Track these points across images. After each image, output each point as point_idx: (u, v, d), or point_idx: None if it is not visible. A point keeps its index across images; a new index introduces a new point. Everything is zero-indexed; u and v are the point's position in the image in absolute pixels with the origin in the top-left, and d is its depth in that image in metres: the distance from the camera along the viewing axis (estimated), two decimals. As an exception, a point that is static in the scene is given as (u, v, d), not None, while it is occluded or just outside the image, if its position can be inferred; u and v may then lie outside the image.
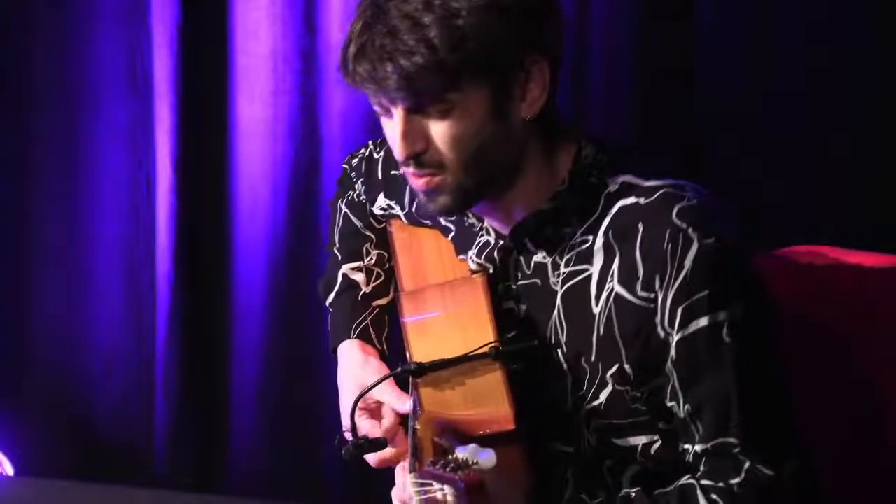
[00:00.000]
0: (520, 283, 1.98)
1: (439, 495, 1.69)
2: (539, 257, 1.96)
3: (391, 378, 2.17)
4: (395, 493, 2.02)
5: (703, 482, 1.88)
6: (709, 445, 1.88)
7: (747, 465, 1.86)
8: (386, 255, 2.27)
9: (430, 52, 1.80)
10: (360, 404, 2.10)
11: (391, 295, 2.26)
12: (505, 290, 1.99)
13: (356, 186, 2.30)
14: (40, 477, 3.51)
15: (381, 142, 2.28)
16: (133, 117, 3.50)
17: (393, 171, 2.20)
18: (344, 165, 2.36)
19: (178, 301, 3.47)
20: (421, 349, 1.93)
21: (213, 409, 3.52)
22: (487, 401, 1.89)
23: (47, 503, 3.34)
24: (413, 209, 2.17)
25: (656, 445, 1.94)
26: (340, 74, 1.90)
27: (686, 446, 1.91)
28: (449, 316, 1.95)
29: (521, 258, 1.98)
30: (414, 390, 1.95)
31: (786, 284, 2.14)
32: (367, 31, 1.84)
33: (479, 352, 1.89)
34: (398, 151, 1.88)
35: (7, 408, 3.61)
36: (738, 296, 1.86)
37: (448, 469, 1.71)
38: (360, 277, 2.26)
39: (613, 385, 1.91)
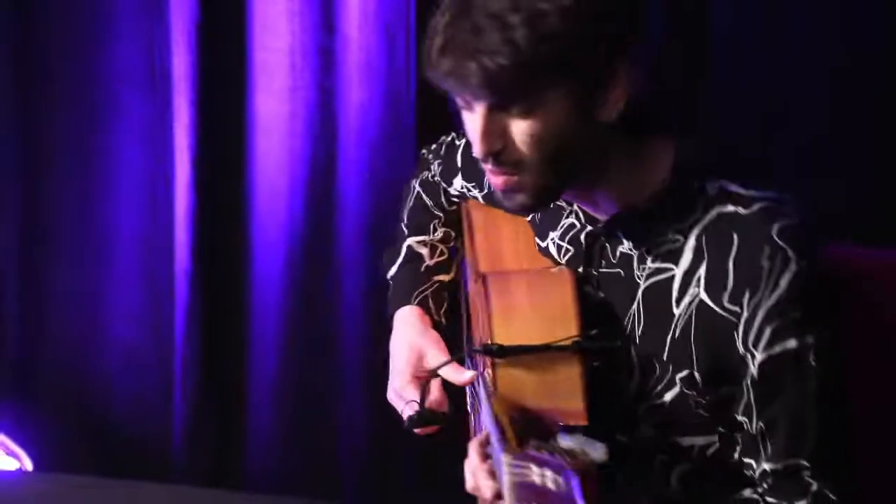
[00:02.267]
0: (602, 270, 1.98)
1: (537, 479, 1.62)
2: (626, 248, 1.96)
3: (446, 350, 2.18)
4: (468, 466, 1.92)
5: (769, 499, 1.88)
6: (779, 465, 1.87)
7: (815, 488, 1.86)
8: (453, 233, 2.29)
9: (515, 52, 1.78)
10: (413, 374, 2.12)
11: (453, 273, 2.26)
12: (585, 276, 1.99)
13: (432, 168, 2.33)
14: (58, 472, 3.52)
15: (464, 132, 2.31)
16: (151, 114, 3.50)
17: (474, 155, 2.21)
18: (423, 151, 2.40)
19: (196, 297, 3.47)
20: (503, 332, 1.91)
21: (231, 404, 3.52)
22: (562, 393, 1.87)
23: (65, 498, 3.34)
24: (491, 190, 2.16)
25: (713, 448, 1.94)
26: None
27: (749, 461, 1.90)
28: (535, 304, 1.93)
29: (608, 245, 1.97)
30: (486, 370, 1.95)
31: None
32: (453, 27, 1.82)
33: (561, 343, 1.87)
34: (477, 148, 1.87)
35: (25, 403, 3.62)
36: (826, 320, 1.87)
37: (555, 455, 1.64)
38: (424, 251, 2.28)
39: (681, 388, 1.91)
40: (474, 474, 1.87)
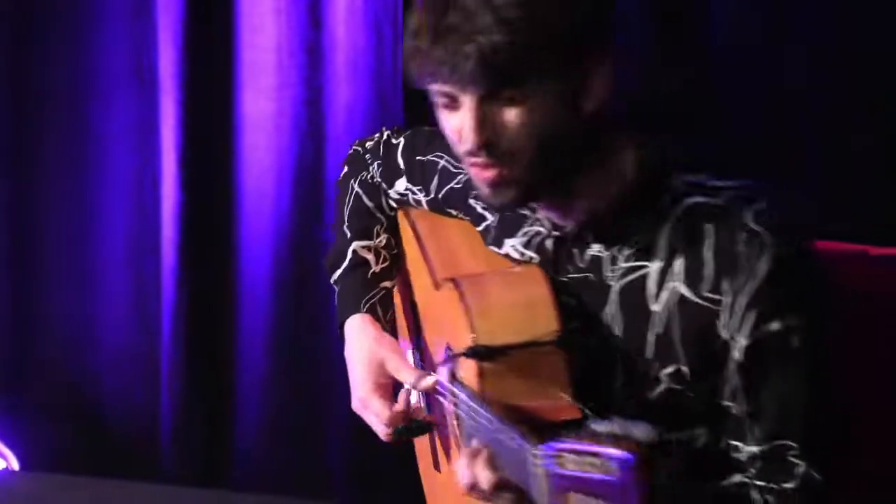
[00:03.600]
0: (570, 276, 1.96)
1: (574, 467, 1.54)
2: (595, 250, 1.95)
3: (409, 357, 2.18)
4: (461, 475, 1.88)
5: (758, 483, 1.88)
6: (766, 447, 1.87)
7: (801, 469, 1.86)
8: (393, 240, 2.27)
9: (510, 31, 1.78)
10: (376, 382, 2.12)
11: (394, 280, 2.25)
12: (554, 283, 1.95)
13: (371, 168, 2.29)
14: (45, 471, 3.51)
15: (398, 129, 2.28)
16: (139, 112, 3.50)
17: (418, 157, 2.20)
18: (356, 147, 2.34)
19: (184, 295, 3.47)
20: (485, 333, 1.89)
21: (219, 403, 3.52)
22: (549, 389, 1.86)
23: (52, 498, 3.34)
24: (440, 196, 2.16)
25: (701, 440, 1.94)
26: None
27: (737, 444, 1.90)
28: (513, 302, 1.92)
29: (575, 251, 1.96)
30: (461, 372, 1.94)
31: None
32: (439, 16, 1.81)
33: (546, 338, 1.87)
34: (469, 141, 1.84)
35: (12, 402, 3.61)
36: (810, 302, 1.86)
37: (596, 440, 1.56)
38: (370, 256, 2.26)
39: (668, 384, 1.91)
40: (470, 469, 1.82)
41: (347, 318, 2.22)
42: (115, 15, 3.49)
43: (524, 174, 1.86)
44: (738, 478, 1.90)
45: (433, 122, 1.94)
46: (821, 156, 2.97)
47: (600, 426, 1.56)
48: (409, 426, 2.05)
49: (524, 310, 1.90)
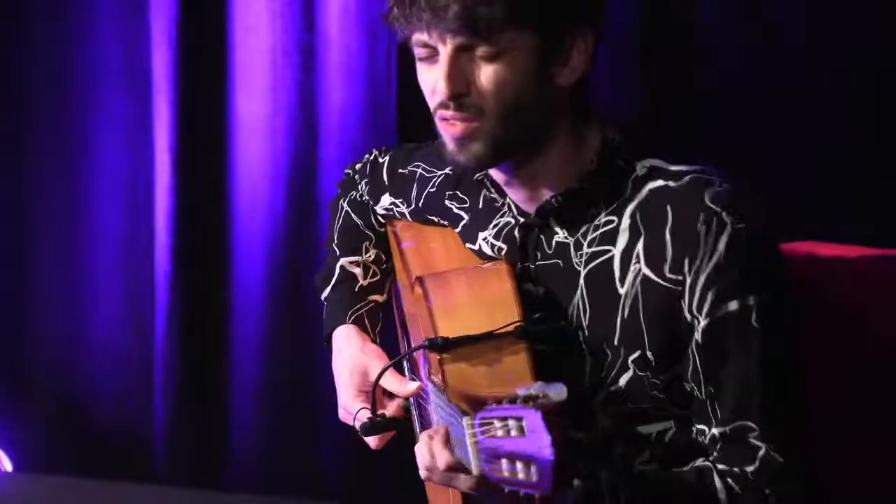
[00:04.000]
0: (539, 263, 1.99)
1: (500, 433, 1.61)
2: (561, 237, 1.97)
3: (388, 361, 2.18)
4: (421, 462, 1.89)
5: (720, 466, 1.90)
6: (727, 429, 1.89)
7: (762, 451, 1.87)
8: (384, 255, 2.29)
9: None
10: (359, 389, 2.13)
11: (386, 294, 2.26)
12: (523, 272, 1.99)
13: (359, 187, 2.32)
14: (39, 473, 3.51)
15: (386, 149, 2.32)
16: (132, 113, 3.50)
17: (400, 171, 2.23)
18: (347, 171, 2.38)
19: (178, 297, 3.47)
20: (447, 328, 1.92)
21: (212, 405, 3.52)
22: (513, 379, 1.88)
23: (46, 499, 3.34)
24: (420, 204, 2.17)
25: (670, 433, 1.95)
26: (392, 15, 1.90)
27: (702, 427, 1.92)
28: (475, 297, 1.95)
29: (542, 237, 1.99)
30: (434, 372, 1.95)
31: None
32: None
33: (504, 330, 1.89)
34: (442, 90, 1.88)
35: (6, 404, 3.61)
36: (768, 282, 1.88)
37: (515, 404, 1.63)
38: (357, 271, 2.28)
39: (634, 370, 1.92)
40: (427, 446, 1.84)
41: (333, 328, 2.23)
42: (108, 15, 3.49)
43: (492, 129, 1.89)
44: (700, 461, 1.91)
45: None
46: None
47: (523, 391, 1.63)
48: (372, 422, 2.06)
49: (486, 304, 1.93)
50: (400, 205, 2.23)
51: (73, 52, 3.50)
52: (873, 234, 2.56)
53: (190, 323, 3.48)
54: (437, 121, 1.93)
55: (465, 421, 1.69)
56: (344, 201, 2.34)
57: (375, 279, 2.29)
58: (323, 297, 2.30)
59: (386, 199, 2.26)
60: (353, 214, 2.32)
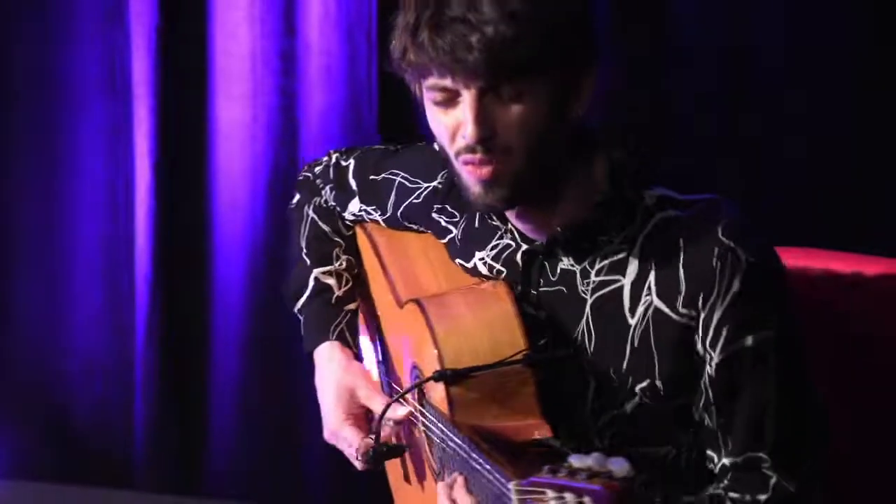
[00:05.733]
0: (542, 289, 1.95)
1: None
2: (566, 264, 1.94)
3: (380, 385, 2.17)
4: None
5: (732, 494, 1.88)
6: (739, 459, 1.87)
7: (774, 480, 1.86)
8: (354, 260, 2.25)
9: (515, 23, 1.78)
10: (347, 412, 2.10)
11: (357, 301, 2.24)
12: (523, 296, 1.96)
13: (322, 192, 2.28)
14: (18, 479, 3.50)
15: (346, 150, 2.26)
16: (112, 119, 3.49)
17: (371, 177, 2.18)
18: (305, 173, 2.31)
19: (158, 302, 3.46)
20: (451, 355, 1.89)
21: (193, 410, 3.51)
22: (519, 408, 1.86)
23: (26, 505, 3.34)
24: (398, 213, 2.15)
25: (671, 456, 1.94)
26: (398, 59, 1.85)
27: (712, 454, 1.90)
28: (478, 322, 1.91)
29: (546, 264, 1.95)
30: (430, 394, 1.93)
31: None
32: (442, 5, 1.81)
33: (513, 358, 1.86)
34: (470, 134, 1.83)
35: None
36: (781, 314, 1.87)
37: (575, 477, 1.54)
38: (332, 282, 2.23)
39: (641, 398, 1.90)
40: (448, 497, 1.82)
41: (316, 345, 2.20)
42: (88, 20, 3.48)
43: (517, 172, 1.85)
44: (711, 489, 1.90)
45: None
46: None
47: (578, 461, 1.55)
48: (379, 450, 2.02)
49: (490, 329, 1.89)
50: (372, 212, 2.19)
51: (52, 58, 3.50)
52: (867, 237, 2.58)
53: (170, 328, 3.48)
54: (457, 164, 1.87)
55: (513, 486, 1.60)
56: (309, 208, 2.28)
57: (348, 287, 2.24)
58: (296, 310, 2.25)
59: (355, 205, 2.21)
60: (319, 222, 2.27)
